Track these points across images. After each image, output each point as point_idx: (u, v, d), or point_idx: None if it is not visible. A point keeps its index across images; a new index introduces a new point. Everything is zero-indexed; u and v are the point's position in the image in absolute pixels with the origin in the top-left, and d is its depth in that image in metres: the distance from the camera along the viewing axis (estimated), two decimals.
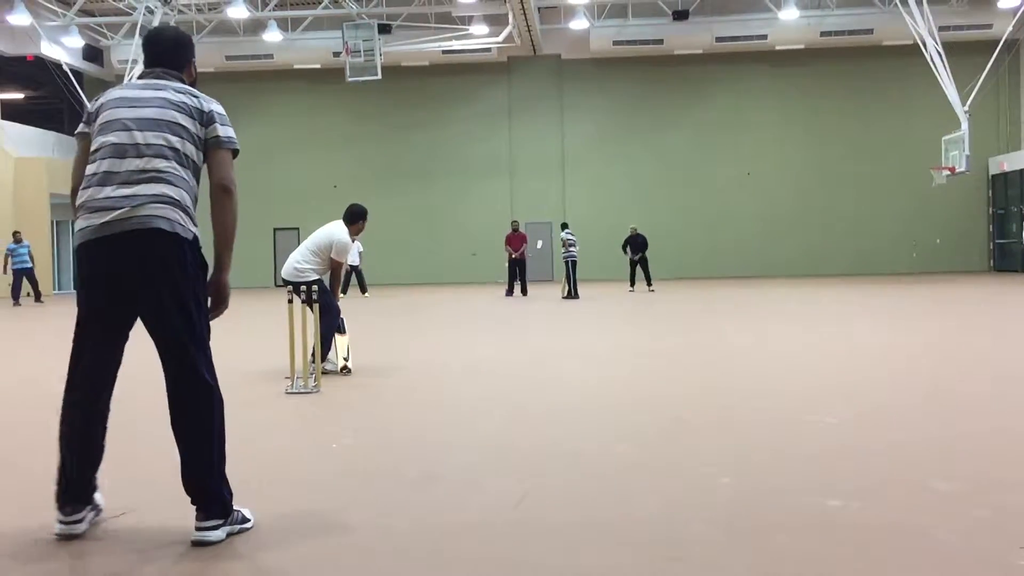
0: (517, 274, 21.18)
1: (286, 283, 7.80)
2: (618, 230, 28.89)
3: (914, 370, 7.51)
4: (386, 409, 6.15)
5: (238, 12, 25.86)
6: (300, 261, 7.84)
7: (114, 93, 3.41)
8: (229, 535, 3.25)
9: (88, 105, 3.49)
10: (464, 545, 3.21)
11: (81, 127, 3.44)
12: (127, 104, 3.33)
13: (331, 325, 7.76)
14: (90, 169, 3.29)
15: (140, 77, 3.51)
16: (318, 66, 30.23)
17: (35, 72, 28.99)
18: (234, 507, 3.32)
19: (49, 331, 13.59)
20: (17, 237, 22.29)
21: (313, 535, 3.35)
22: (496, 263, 25.72)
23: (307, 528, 3.43)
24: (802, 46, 29.19)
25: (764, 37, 28.61)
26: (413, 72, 30.63)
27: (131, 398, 5.41)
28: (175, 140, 3.29)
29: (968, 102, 22.83)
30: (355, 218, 8.06)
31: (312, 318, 7.11)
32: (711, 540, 3.19)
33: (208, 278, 3.40)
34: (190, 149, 3.33)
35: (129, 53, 25.95)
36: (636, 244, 22.24)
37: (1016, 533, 3.17)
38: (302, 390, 6.78)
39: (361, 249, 23.05)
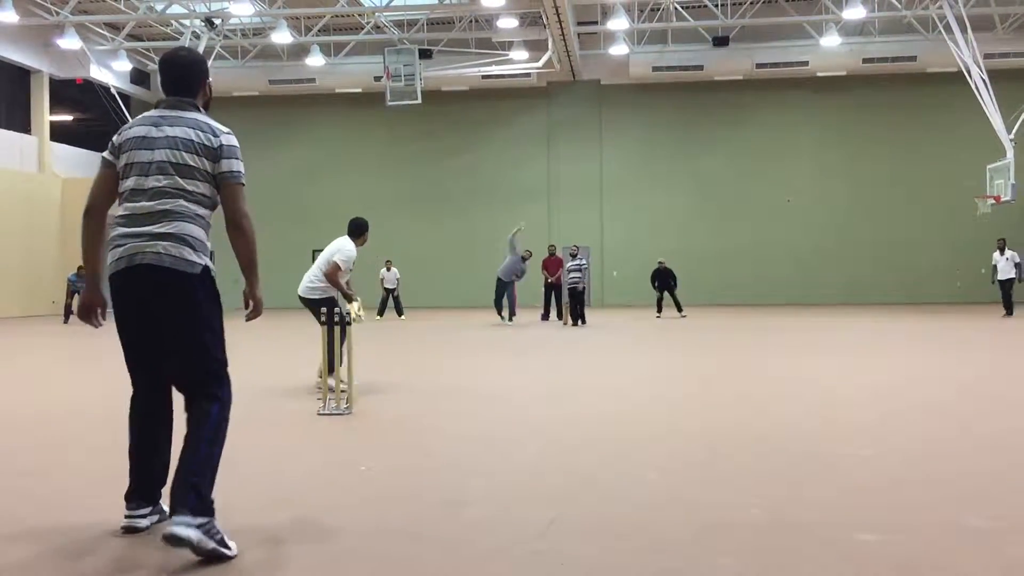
0: (553, 299, 21.18)
1: (302, 300, 8.18)
2: (656, 256, 28.81)
3: (954, 404, 7.37)
4: (417, 433, 6.15)
5: (282, 37, 26.27)
6: (312, 280, 8.23)
7: (133, 131, 3.65)
8: (199, 544, 3.24)
9: (115, 137, 3.71)
10: (486, 572, 3.19)
11: (106, 154, 3.69)
12: (144, 146, 3.59)
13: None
14: (118, 211, 3.63)
15: (157, 105, 3.74)
16: (359, 90, 30.57)
17: (84, 95, 29.62)
18: (216, 522, 3.36)
19: (98, 349, 13.79)
20: (81, 272, 22.72)
21: (338, 558, 3.35)
22: (533, 287, 25.69)
23: (332, 550, 3.43)
24: (844, 72, 28.98)
25: (805, 63, 28.44)
26: (453, 97, 30.86)
27: None
28: (183, 182, 3.55)
29: (1014, 130, 22.49)
30: (360, 231, 8.43)
31: (347, 342, 7.13)
32: (738, 572, 3.15)
33: (243, 292, 3.84)
34: (201, 187, 3.59)
35: None
36: (662, 279, 22.32)
37: None
38: (334, 411, 6.81)
39: (399, 276, 23.50)
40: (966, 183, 27.59)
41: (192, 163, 3.56)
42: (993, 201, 23.93)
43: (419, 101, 25.84)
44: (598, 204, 31.15)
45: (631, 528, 3.70)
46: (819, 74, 29.10)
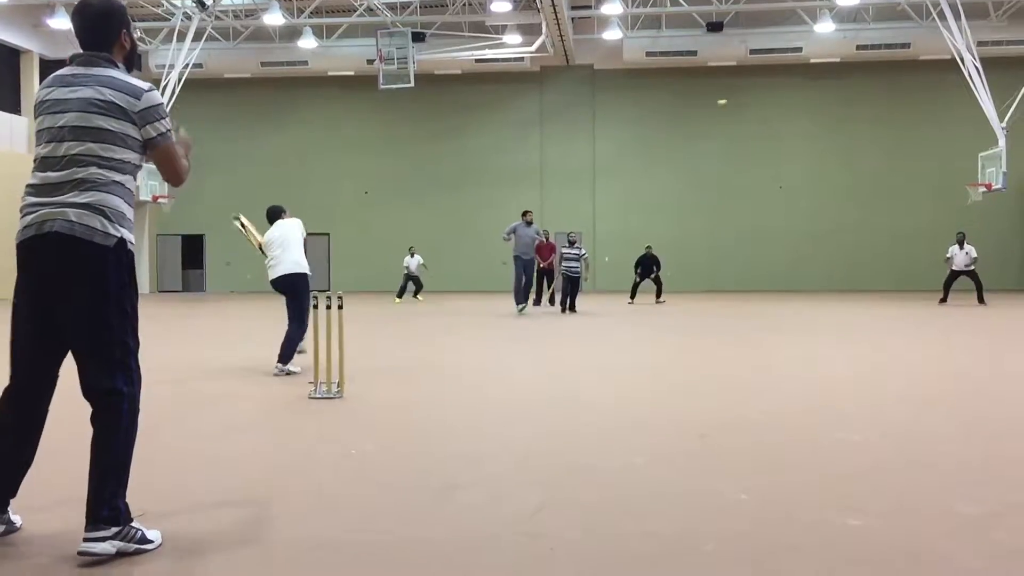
0: (545, 284, 21.12)
1: (291, 278, 8.78)
2: (648, 240, 28.82)
3: (945, 390, 7.40)
4: (406, 417, 6.15)
5: (274, 19, 26.11)
6: (301, 259, 8.92)
7: (44, 94, 3.37)
8: (120, 552, 3.14)
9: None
10: (475, 556, 3.19)
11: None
12: (56, 109, 3.31)
13: (299, 334, 8.63)
14: (29, 180, 3.34)
15: (71, 61, 3.43)
16: (352, 73, 30.43)
17: None
18: (134, 524, 3.22)
19: None
20: None
21: (324, 544, 3.34)
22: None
23: (319, 537, 3.43)
24: (837, 59, 28.95)
25: (799, 50, 28.40)
26: (446, 80, 30.75)
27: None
28: (97, 147, 3.26)
29: (1006, 118, 22.52)
30: (278, 215, 9.19)
31: (338, 326, 7.12)
32: (726, 559, 3.15)
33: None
34: (117, 151, 3.29)
35: (167, 58, 26.31)
36: (646, 265, 22.22)
37: None
38: (325, 395, 6.80)
39: (422, 261, 24.34)
40: (959, 165, 27.65)
41: (106, 126, 3.26)
42: (984, 189, 23.99)
43: (412, 84, 25.75)
44: (591, 189, 31.13)
45: (619, 513, 3.71)
46: (813, 60, 29.08)
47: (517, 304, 18.09)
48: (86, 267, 3.20)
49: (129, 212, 3.34)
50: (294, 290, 8.78)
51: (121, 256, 3.26)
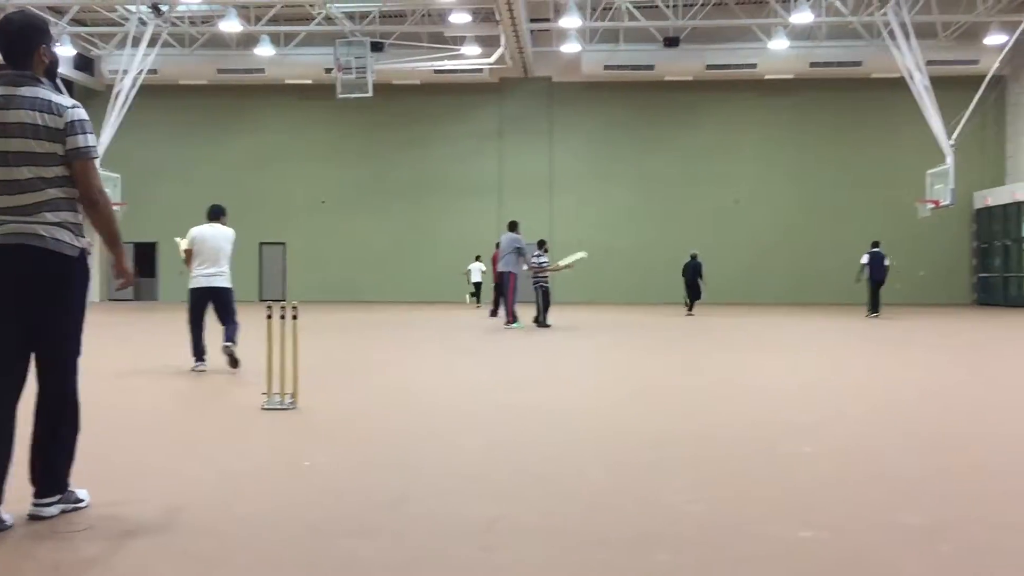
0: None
1: (217, 291, 9.20)
2: (605, 252, 29.02)
3: (893, 403, 7.52)
4: (362, 428, 6.11)
5: (231, 26, 25.90)
6: (225, 271, 9.27)
7: None
8: (63, 512, 3.68)
9: None
10: (429, 570, 3.18)
11: None
12: None
13: (236, 331, 9.10)
14: None
15: None
16: (309, 82, 30.30)
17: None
18: (71, 489, 3.72)
19: None
20: None
21: (278, 554, 3.31)
22: (484, 283, 25.84)
23: (271, 546, 3.39)
24: (791, 76, 29.45)
25: (754, 66, 28.85)
26: (404, 91, 30.72)
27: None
28: (40, 170, 3.51)
29: (954, 136, 23.03)
30: (218, 217, 9.43)
31: (292, 336, 7.06)
32: (677, 570, 3.17)
33: (113, 265, 3.90)
34: (57, 170, 3.54)
35: (120, 63, 25.96)
36: (690, 272, 22.71)
37: (980, 570, 3.17)
38: (278, 406, 6.73)
39: (484, 268, 25.57)
40: (908, 181, 28.20)
41: (41, 150, 3.49)
42: (933, 205, 24.49)
43: (370, 94, 25.70)
44: (548, 200, 31.25)
45: (574, 525, 3.71)
46: (767, 76, 29.53)
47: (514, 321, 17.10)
48: (58, 276, 3.54)
49: (83, 222, 3.64)
50: (225, 300, 9.20)
51: (84, 264, 3.64)
